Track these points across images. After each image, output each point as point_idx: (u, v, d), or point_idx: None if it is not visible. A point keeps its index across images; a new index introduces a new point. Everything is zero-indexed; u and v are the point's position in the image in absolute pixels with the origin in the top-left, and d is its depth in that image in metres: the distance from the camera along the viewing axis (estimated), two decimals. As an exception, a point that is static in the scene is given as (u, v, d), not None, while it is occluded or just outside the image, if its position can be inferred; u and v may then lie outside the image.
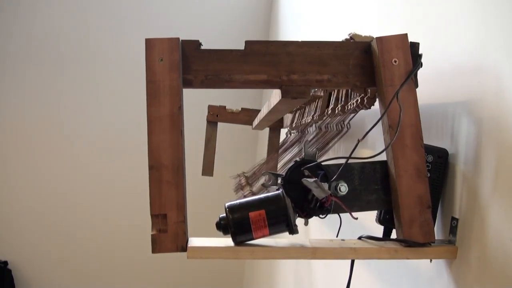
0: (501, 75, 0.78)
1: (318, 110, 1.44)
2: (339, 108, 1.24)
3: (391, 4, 1.30)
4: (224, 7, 3.59)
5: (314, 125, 1.60)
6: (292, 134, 2.02)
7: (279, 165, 1.88)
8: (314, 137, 1.50)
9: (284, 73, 0.91)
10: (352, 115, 1.22)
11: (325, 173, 0.88)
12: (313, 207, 0.86)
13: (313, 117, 1.49)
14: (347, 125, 1.24)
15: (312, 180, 0.84)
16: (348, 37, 1.02)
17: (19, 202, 3.54)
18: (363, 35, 0.96)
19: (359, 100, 1.10)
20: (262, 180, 1.83)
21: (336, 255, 0.88)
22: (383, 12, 1.35)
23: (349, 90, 1.20)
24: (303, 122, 1.63)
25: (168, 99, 0.87)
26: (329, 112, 1.32)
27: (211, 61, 0.91)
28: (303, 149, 0.93)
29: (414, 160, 0.87)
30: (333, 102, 1.33)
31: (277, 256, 0.92)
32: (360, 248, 0.86)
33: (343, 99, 1.24)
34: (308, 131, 1.69)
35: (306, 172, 0.87)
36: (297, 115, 1.78)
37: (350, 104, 1.16)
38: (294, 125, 1.84)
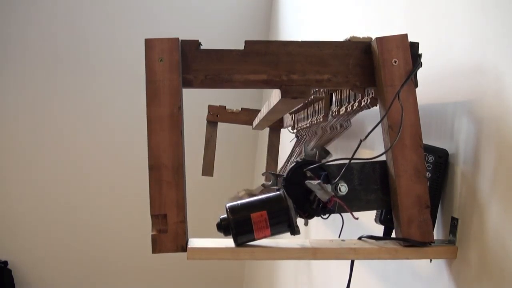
0: (501, 75, 0.78)
1: (322, 111, 1.43)
2: (344, 110, 1.23)
3: (391, 4, 1.30)
4: (224, 7, 3.59)
5: (319, 127, 1.59)
6: (299, 138, 2.01)
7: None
8: (319, 139, 1.49)
9: (284, 73, 0.91)
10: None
11: (326, 174, 0.88)
12: (315, 208, 0.86)
13: (317, 119, 1.48)
14: (349, 123, 1.24)
15: (315, 182, 0.84)
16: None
17: (19, 202, 3.54)
18: (361, 37, 0.96)
19: (363, 102, 1.10)
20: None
21: (337, 255, 0.88)
22: (383, 12, 1.35)
23: (350, 90, 1.20)
24: (308, 124, 1.62)
25: (168, 99, 0.87)
26: (335, 114, 1.32)
27: (211, 61, 0.91)
28: (303, 150, 0.93)
29: (413, 160, 0.87)
30: (336, 103, 1.33)
31: (277, 257, 0.92)
32: (360, 248, 0.86)
33: (347, 100, 1.24)
34: (315, 133, 1.67)
35: (309, 173, 0.87)
36: (300, 117, 1.77)
37: (353, 105, 1.16)
38: (299, 127, 1.83)
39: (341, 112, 1.28)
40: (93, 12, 3.51)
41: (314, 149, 0.95)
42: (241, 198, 1.76)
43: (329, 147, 1.62)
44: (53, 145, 3.54)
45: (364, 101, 1.10)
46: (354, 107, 1.17)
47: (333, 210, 0.88)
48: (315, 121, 1.51)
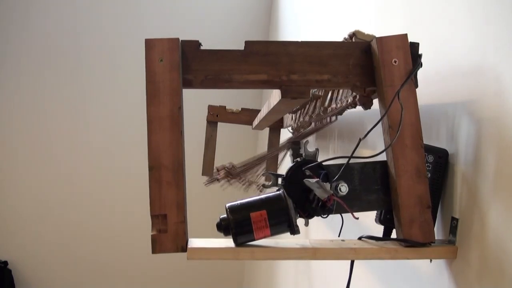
0: (501, 75, 0.78)
1: (317, 109, 1.43)
2: (328, 104, 1.24)
3: (391, 4, 1.30)
4: (224, 7, 3.59)
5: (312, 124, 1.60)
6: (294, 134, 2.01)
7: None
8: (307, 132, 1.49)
9: (284, 73, 0.91)
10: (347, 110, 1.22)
11: (326, 173, 0.88)
12: (314, 207, 0.86)
13: (311, 116, 1.48)
14: (335, 116, 1.23)
15: (314, 180, 0.84)
16: (347, 37, 1.02)
17: (19, 202, 3.54)
18: (365, 33, 0.96)
19: (354, 98, 1.10)
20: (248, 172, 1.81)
21: (336, 255, 0.88)
22: (383, 12, 1.35)
23: (343, 90, 1.20)
24: (303, 121, 1.63)
25: (168, 99, 0.87)
26: (327, 111, 1.32)
27: (211, 61, 0.91)
28: (303, 149, 0.93)
29: (414, 160, 0.87)
30: (331, 101, 1.33)
31: (277, 257, 0.92)
32: (360, 248, 0.86)
33: (338, 97, 1.24)
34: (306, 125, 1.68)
35: (308, 172, 0.87)
36: (297, 115, 1.77)
37: (340, 101, 1.16)
38: (295, 125, 1.83)
39: (328, 110, 1.29)
40: (93, 12, 3.51)
41: (314, 149, 0.94)
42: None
43: (329, 149, 1.62)
44: (53, 145, 3.54)
45: (352, 98, 1.11)
46: (339, 105, 1.17)
47: (333, 210, 0.87)
48: (309, 118, 1.51)
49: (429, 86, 0.99)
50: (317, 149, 0.94)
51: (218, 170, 1.80)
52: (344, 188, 0.87)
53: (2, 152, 3.54)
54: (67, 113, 3.53)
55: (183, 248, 0.84)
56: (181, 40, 0.90)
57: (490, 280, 0.78)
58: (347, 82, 0.93)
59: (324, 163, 0.90)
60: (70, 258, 3.59)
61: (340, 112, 1.27)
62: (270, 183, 0.90)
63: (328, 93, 1.33)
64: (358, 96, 1.08)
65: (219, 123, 2.30)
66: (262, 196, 0.87)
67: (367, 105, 1.08)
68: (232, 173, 1.74)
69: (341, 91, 1.26)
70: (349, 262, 0.96)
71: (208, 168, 2.33)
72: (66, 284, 3.60)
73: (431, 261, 0.92)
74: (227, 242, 0.85)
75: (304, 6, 2.51)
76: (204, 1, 3.59)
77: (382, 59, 0.89)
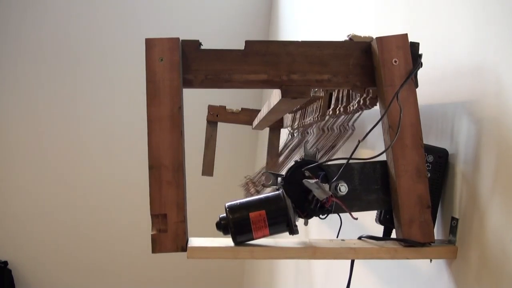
0: (501, 75, 0.78)
1: (319, 110, 1.44)
2: (341, 109, 1.23)
3: (391, 4, 1.30)
4: (224, 7, 3.59)
5: (316, 126, 1.60)
6: (294, 136, 2.02)
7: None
8: (317, 140, 1.49)
9: (284, 73, 0.91)
10: (356, 116, 1.22)
11: (325, 174, 0.88)
12: (313, 208, 0.86)
13: (314, 118, 1.48)
14: (351, 127, 1.23)
15: (313, 181, 0.84)
16: (347, 39, 1.02)
17: (19, 202, 3.54)
18: (362, 35, 0.96)
19: (361, 101, 1.10)
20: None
21: (336, 255, 0.88)
22: (383, 12, 1.35)
23: (350, 90, 1.20)
24: (305, 122, 1.63)
25: (168, 99, 0.87)
26: (331, 113, 1.32)
27: (211, 61, 0.91)
28: (303, 149, 0.93)
29: (414, 160, 0.87)
30: (333, 102, 1.33)
31: (277, 256, 0.92)
32: (360, 248, 0.86)
33: (344, 99, 1.24)
34: (310, 132, 1.69)
35: (307, 173, 0.87)
36: (298, 115, 1.77)
37: (353, 105, 1.16)
38: (296, 125, 1.84)
39: (337, 112, 1.29)
40: (93, 12, 3.51)
41: (314, 150, 0.94)
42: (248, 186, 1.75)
43: (337, 151, 1.62)
44: (53, 145, 3.54)
45: (361, 101, 1.11)
46: (351, 108, 1.17)
47: (331, 210, 0.87)
48: (312, 120, 1.51)
49: (429, 86, 0.99)
50: (317, 149, 0.95)
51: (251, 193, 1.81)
52: (343, 188, 0.87)
53: (2, 152, 3.54)
54: (67, 113, 3.53)
55: (183, 248, 0.84)
56: (181, 40, 0.90)
57: (490, 280, 0.78)
58: (347, 82, 0.93)
59: (324, 164, 0.90)
60: (70, 258, 3.59)
61: (349, 117, 1.26)
62: (270, 182, 0.90)
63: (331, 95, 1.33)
64: (368, 100, 1.07)
65: (219, 123, 2.30)
66: (262, 196, 0.87)
67: (373, 105, 1.08)
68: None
69: (343, 92, 1.26)
70: (349, 262, 0.96)
71: (208, 168, 2.33)
72: (66, 284, 3.60)
73: (431, 261, 0.92)
74: (227, 241, 0.86)
75: (304, 6, 2.51)
76: (205, 1, 3.59)
77: (382, 59, 0.89)
